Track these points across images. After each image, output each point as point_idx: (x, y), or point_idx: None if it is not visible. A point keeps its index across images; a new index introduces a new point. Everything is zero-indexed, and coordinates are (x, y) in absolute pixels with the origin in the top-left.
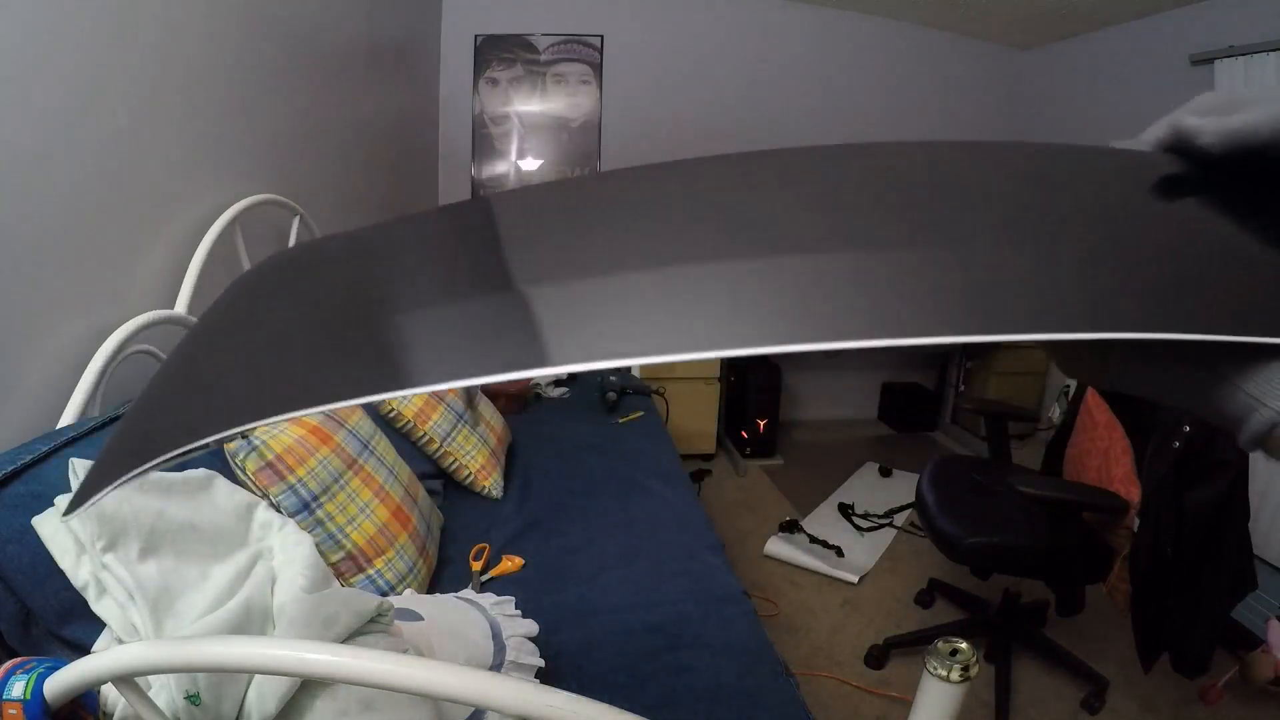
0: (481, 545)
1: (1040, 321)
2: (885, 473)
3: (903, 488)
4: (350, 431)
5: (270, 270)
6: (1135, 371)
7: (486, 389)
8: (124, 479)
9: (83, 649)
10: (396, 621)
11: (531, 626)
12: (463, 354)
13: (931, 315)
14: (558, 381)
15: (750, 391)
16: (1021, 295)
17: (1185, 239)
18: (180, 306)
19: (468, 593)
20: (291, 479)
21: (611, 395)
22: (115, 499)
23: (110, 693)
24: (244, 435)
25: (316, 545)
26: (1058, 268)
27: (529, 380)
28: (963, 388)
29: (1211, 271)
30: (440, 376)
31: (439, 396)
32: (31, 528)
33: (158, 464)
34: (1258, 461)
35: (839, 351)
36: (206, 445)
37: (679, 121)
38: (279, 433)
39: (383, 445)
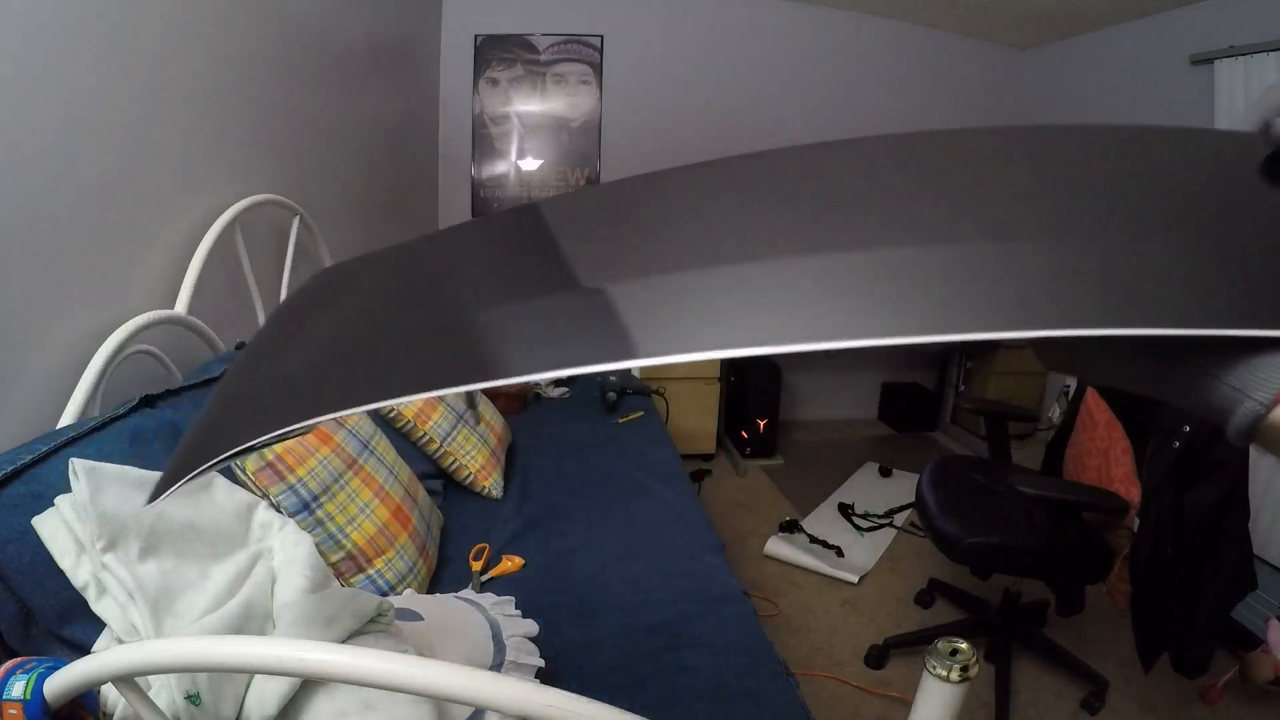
0: (481, 545)
1: (1007, 320)
2: (885, 473)
3: (903, 488)
4: (350, 432)
5: (344, 271)
6: (1113, 365)
7: (487, 389)
8: (213, 463)
9: (83, 649)
10: (396, 621)
11: (531, 626)
12: (559, 346)
13: (911, 316)
14: (558, 381)
15: (750, 391)
16: (993, 295)
17: (1156, 234)
18: (180, 306)
19: (468, 593)
20: (291, 479)
21: (611, 395)
22: (115, 499)
23: (110, 693)
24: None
25: (316, 545)
26: (1032, 266)
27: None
28: (963, 388)
29: (1187, 266)
30: (535, 368)
31: (439, 396)
32: (31, 528)
33: (244, 450)
34: (1258, 461)
35: (840, 350)
36: (295, 432)
37: (679, 121)
38: None
39: (383, 445)
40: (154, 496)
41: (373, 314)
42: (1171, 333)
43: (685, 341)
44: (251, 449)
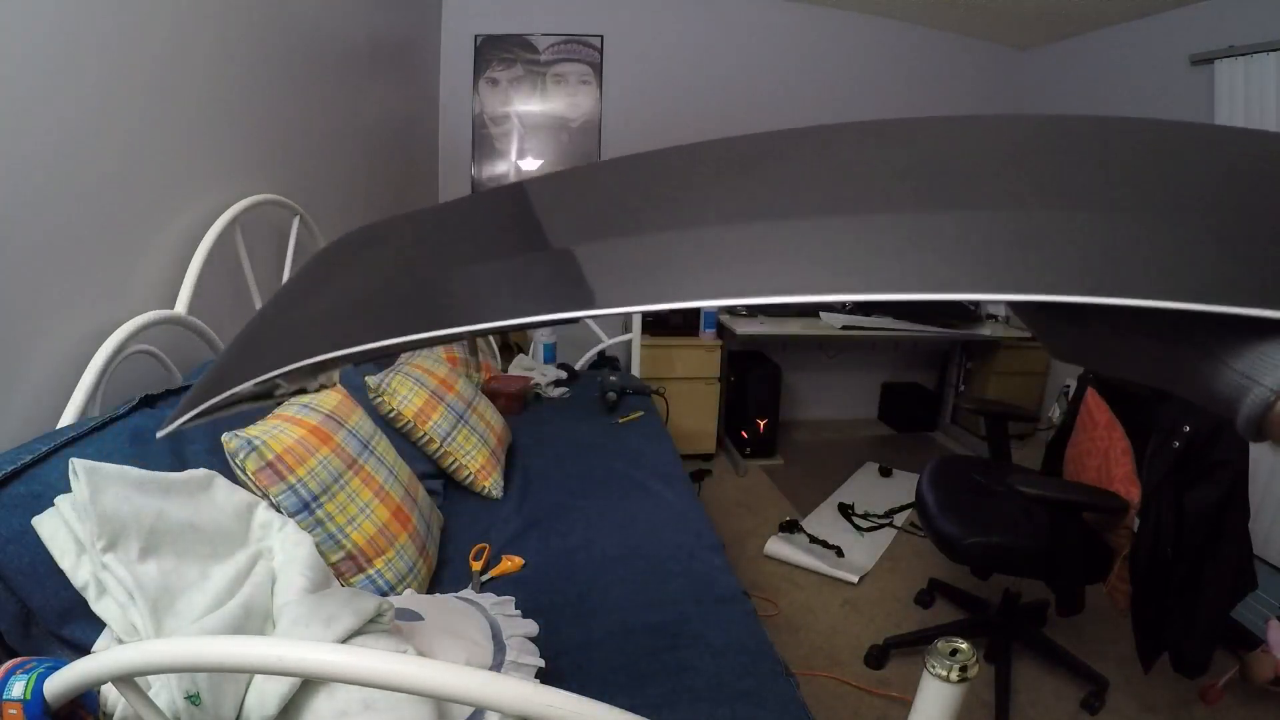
0: (481, 545)
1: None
2: (885, 473)
3: (903, 488)
4: (350, 431)
5: (356, 237)
6: (1119, 350)
7: (486, 389)
8: (230, 392)
9: (83, 649)
10: (396, 621)
11: (531, 626)
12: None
13: (922, 274)
14: (558, 381)
15: (750, 391)
16: (989, 259)
17: (1170, 207)
18: (180, 306)
19: (468, 593)
20: (291, 479)
21: (611, 395)
22: (115, 499)
23: (110, 693)
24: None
25: (316, 545)
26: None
27: (530, 380)
28: (963, 388)
29: (1202, 242)
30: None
31: (439, 396)
32: (31, 528)
33: (269, 378)
34: (1258, 462)
35: (840, 350)
36: (327, 366)
37: (679, 121)
38: (279, 433)
39: (383, 445)
40: (171, 421)
41: (372, 275)
42: (1184, 307)
43: (640, 295)
44: (262, 393)
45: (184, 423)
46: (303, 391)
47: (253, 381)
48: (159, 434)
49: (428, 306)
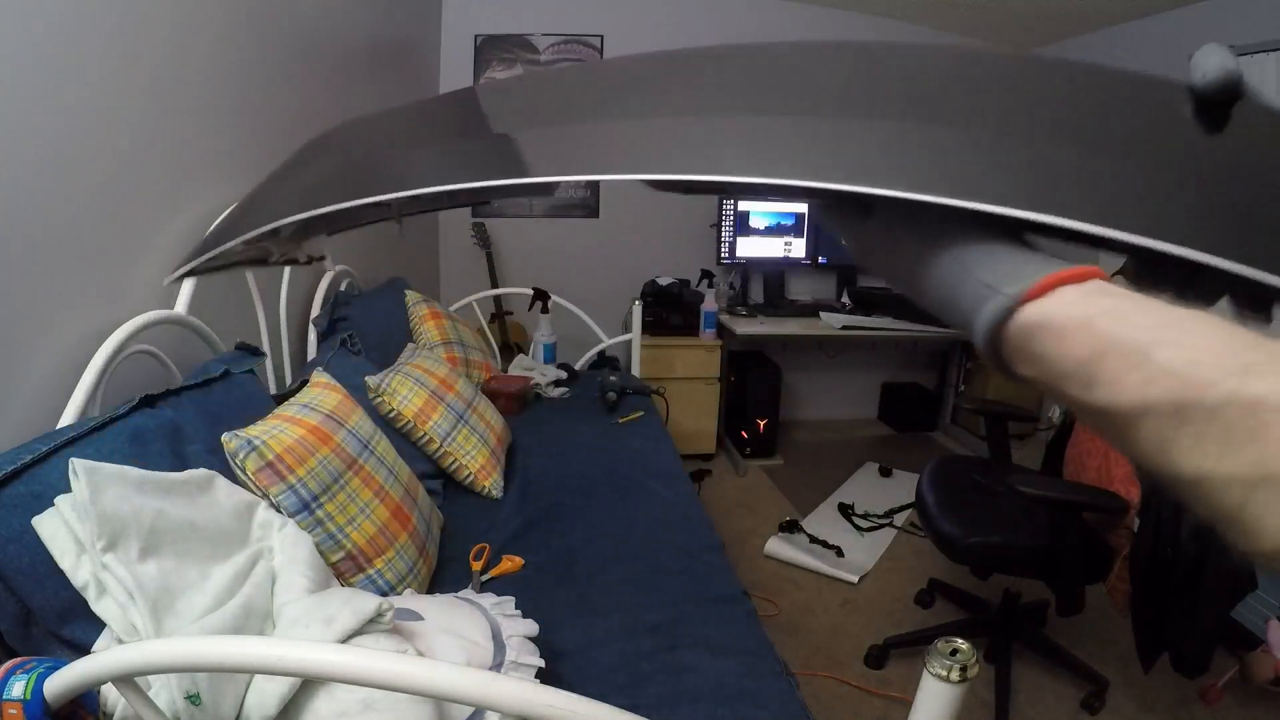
0: (481, 545)
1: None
2: (885, 473)
3: (903, 488)
4: (350, 431)
5: (334, 129)
6: (889, 253)
7: (486, 389)
8: (222, 248)
9: (83, 649)
10: (396, 621)
11: (531, 626)
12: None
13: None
14: (558, 381)
15: (750, 391)
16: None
17: (938, 115)
18: (180, 306)
19: (468, 593)
20: (291, 479)
21: (611, 395)
22: (115, 499)
23: (110, 693)
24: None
25: (316, 545)
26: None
27: (530, 380)
28: (963, 388)
29: (960, 142)
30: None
31: (439, 396)
32: (31, 528)
33: (267, 230)
34: None
35: (840, 350)
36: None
37: None
38: (279, 433)
39: (383, 445)
40: (180, 267)
41: (340, 154)
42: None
43: (564, 167)
44: (257, 257)
45: (183, 274)
46: (294, 261)
47: (240, 240)
48: (165, 281)
49: (385, 173)
